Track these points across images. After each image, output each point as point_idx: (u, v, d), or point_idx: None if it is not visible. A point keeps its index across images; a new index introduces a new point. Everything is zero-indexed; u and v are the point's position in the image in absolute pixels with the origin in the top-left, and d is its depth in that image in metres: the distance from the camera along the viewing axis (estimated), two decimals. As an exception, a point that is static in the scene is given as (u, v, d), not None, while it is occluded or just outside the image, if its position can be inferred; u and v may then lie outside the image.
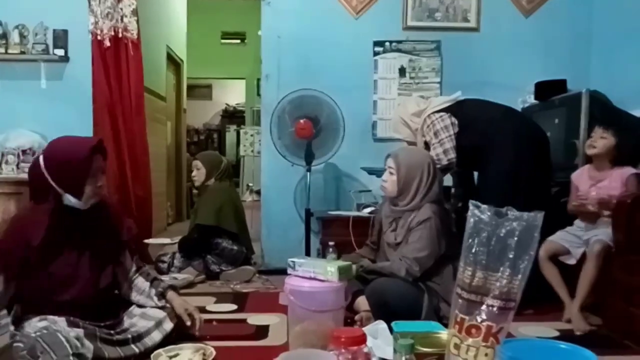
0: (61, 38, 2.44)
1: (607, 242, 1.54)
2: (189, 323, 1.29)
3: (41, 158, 1.18)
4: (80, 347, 1.07)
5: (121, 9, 2.43)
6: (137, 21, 2.48)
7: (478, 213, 0.73)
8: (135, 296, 1.30)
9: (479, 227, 0.72)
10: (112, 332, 1.19)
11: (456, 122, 1.78)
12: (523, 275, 0.71)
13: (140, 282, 1.31)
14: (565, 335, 1.45)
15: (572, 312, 1.57)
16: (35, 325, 1.11)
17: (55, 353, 1.03)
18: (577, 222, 1.72)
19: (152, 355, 1.15)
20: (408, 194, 1.52)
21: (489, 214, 0.72)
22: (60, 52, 2.45)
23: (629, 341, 1.41)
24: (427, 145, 1.82)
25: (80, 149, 1.17)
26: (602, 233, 1.58)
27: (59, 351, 1.03)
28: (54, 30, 2.45)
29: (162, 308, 1.28)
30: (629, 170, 1.64)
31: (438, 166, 1.75)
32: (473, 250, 0.73)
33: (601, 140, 1.65)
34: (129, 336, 1.19)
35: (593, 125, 1.75)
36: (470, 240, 0.74)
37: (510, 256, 0.69)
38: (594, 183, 1.68)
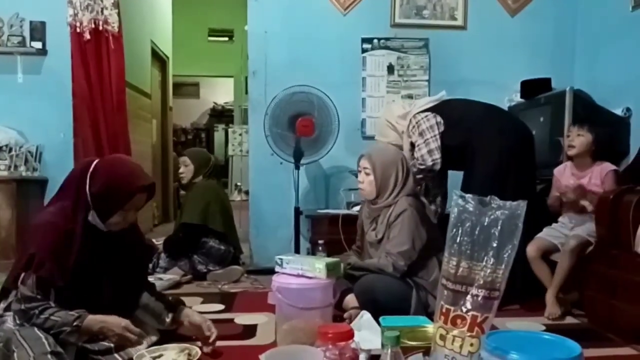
0: (39, 30, 2.36)
1: (585, 238, 1.58)
2: (213, 335, 1.23)
3: (93, 165, 1.12)
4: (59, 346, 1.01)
5: (101, 0, 2.36)
6: (119, 14, 2.42)
7: (462, 203, 0.73)
8: (138, 312, 1.24)
9: (462, 216, 0.72)
10: (94, 338, 1.13)
11: (442, 121, 1.78)
12: (507, 264, 0.72)
13: (145, 297, 1.26)
14: (552, 330, 1.47)
15: (547, 298, 1.60)
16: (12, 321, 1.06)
17: (32, 350, 0.97)
18: (562, 218, 1.74)
19: (134, 357, 1.12)
20: (386, 192, 1.54)
21: (472, 203, 0.72)
22: (37, 44, 2.36)
23: (612, 334, 1.44)
24: (413, 146, 1.82)
25: (130, 182, 1.11)
26: (582, 229, 1.61)
27: (36, 348, 0.97)
28: (31, 22, 2.37)
29: (167, 328, 1.22)
30: (608, 167, 1.67)
31: (422, 167, 1.76)
32: (457, 240, 0.73)
33: (578, 138, 1.68)
34: (112, 345, 1.13)
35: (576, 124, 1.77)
36: (454, 230, 0.74)
37: (494, 245, 0.70)
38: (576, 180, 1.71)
